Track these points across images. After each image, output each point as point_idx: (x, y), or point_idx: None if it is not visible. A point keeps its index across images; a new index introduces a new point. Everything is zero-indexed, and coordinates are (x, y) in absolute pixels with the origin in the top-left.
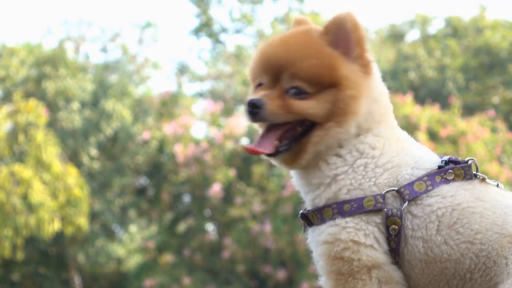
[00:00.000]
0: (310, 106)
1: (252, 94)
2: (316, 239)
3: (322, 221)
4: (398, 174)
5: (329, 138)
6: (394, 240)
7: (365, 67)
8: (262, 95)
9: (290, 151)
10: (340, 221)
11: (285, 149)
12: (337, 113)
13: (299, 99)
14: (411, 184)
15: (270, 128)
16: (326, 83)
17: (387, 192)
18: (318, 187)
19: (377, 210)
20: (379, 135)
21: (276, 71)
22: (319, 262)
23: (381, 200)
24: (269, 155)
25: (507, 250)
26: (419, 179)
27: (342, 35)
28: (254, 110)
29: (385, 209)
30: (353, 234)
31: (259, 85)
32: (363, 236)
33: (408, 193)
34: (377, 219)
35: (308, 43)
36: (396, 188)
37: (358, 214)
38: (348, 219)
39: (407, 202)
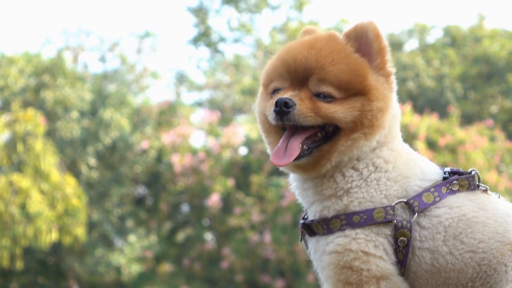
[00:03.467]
0: (337, 110)
1: (279, 94)
2: (322, 248)
3: (329, 231)
4: (407, 185)
5: (355, 150)
6: (402, 251)
7: (387, 78)
8: (291, 95)
9: (310, 157)
10: (350, 232)
11: (306, 154)
12: (365, 124)
13: (325, 101)
14: (419, 195)
15: (291, 134)
16: (354, 90)
17: (396, 203)
18: (329, 198)
19: (387, 222)
20: (393, 149)
21: (303, 74)
22: (324, 270)
23: (391, 212)
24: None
25: (507, 257)
26: (427, 190)
27: (363, 44)
28: (286, 110)
29: (395, 221)
30: (364, 245)
31: (276, 90)
32: (373, 247)
33: (418, 205)
34: (387, 230)
35: (336, 48)
36: (405, 200)
37: (368, 225)
38: (358, 230)
39: (416, 214)
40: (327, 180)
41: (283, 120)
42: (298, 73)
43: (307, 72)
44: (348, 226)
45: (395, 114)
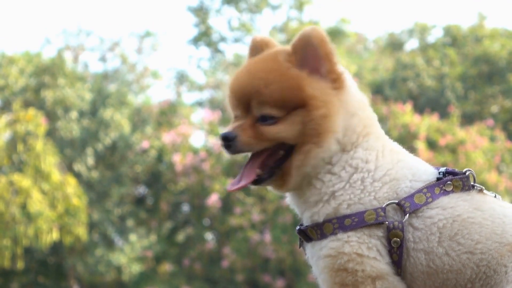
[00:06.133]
0: (279, 130)
1: (226, 128)
2: (317, 253)
3: (323, 236)
4: (397, 187)
5: (311, 160)
6: (396, 252)
7: (336, 81)
8: (233, 127)
9: (274, 177)
10: (342, 235)
11: (268, 176)
12: (310, 134)
13: (269, 125)
14: (411, 196)
15: (252, 158)
16: (293, 105)
17: (387, 205)
18: (315, 204)
19: (378, 224)
20: (369, 148)
21: (244, 101)
22: (321, 275)
23: (382, 213)
24: (253, 183)
25: (507, 258)
26: (419, 191)
27: (309, 52)
28: (228, 144)
29: (387, 222)
30: (356, 247)
31: (235, 118)
32: (366, 249)
33: (409, 206)
34: (379, 232)
35: (271, 68)
36: (397, 201)
37: (360, 228)
38: (350, 233)
39: (408, 215)
40: (307, 189)
41: (230, 153)
42: (241, 100)
43: (247, 98)
44: (340, 229)
45: (353, 111)
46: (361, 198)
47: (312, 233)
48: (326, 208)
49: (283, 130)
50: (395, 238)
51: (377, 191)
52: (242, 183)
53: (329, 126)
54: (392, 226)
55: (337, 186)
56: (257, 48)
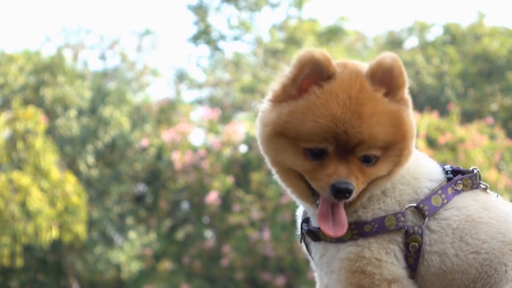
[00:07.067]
0: (380, 170)
1: (335, 169)
2: (332, 255)
3: (339, 240)
4: (417, 187)
5: (389, 183)
6: (413, 256)
7: (407, 107)
8: (347, 175)
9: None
10: (362, 242)
11: None
12: (402, 163)
13: (371, 166)
14: (428, 198)
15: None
16: (395, 142)
17: (407, 209)
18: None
19: (398, 229)
20: None
21: (352, 145)
22: (333, 274)
23: (402, 218)
24: None
25: (507, 257)
26: (434, 192)
27: (387, 81)
28: (349, 196)
29: (407, 227)
30: (376, 252)
31: (318, 150)
32: (385, 254)
33: (428, 209)
34: (398, 238)
35: (379, 110)
36: (415, 204)
37: (380, 234)
38: (371, 240)
39: (427, 219)
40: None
41: (341, 201)
42: (348, 144)
43: (358, 143)
44: (360, 235)
45: None
46: (387, 205)
47: (325, 236)
48: (352, 216)
49: (383, 169)
50: (413, 243)
51: (402, 194)
52: (343, 230)
53: (413, 149)
54: (412, 231)
55: (376, 197)
56: (319, 67)
